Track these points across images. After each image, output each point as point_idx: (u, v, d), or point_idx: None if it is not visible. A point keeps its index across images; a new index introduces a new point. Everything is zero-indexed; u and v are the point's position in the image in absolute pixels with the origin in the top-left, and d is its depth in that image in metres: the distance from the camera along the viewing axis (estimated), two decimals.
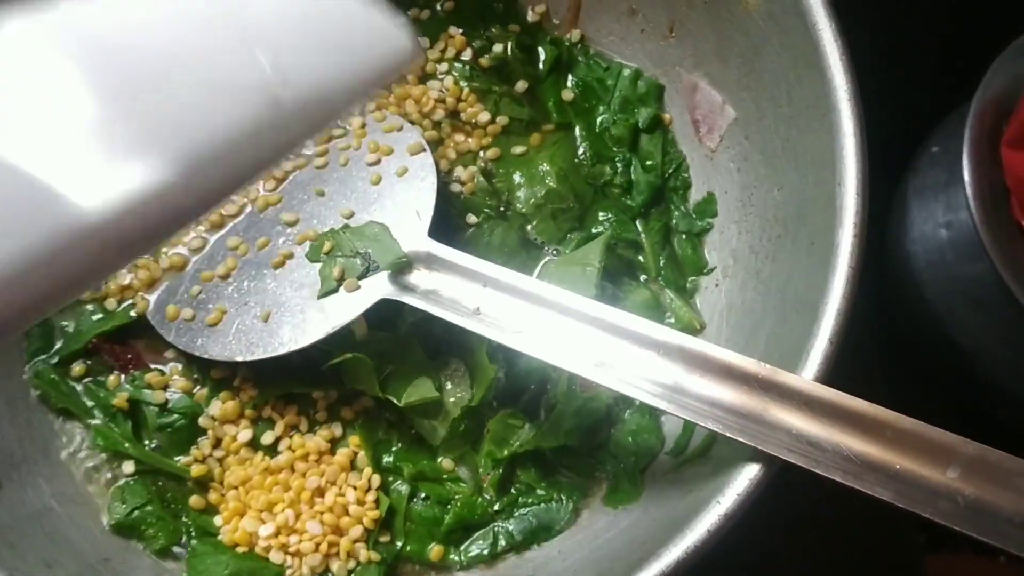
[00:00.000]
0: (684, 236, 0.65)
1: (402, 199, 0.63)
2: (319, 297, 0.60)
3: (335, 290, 0.60)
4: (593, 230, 0.65)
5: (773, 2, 0.57)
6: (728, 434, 0.47)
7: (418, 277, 0.59)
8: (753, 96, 0.61)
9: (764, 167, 0.60)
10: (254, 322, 0.61)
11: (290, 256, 0.63)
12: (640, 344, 0.51)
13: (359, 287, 0.60)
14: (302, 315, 0.60)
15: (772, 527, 0.52)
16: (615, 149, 0.67)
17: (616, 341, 0.52)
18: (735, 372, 0.49)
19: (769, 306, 0.57)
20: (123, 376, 0.63)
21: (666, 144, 0.67)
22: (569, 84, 0.70)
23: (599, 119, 0.68)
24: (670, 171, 0.66)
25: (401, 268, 0.59)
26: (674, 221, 0.66)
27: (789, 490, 0.48)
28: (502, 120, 0.68)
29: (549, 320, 0.54)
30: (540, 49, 0.70)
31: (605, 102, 0.68)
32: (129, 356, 0.63)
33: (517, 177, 0.66)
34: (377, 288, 0.59)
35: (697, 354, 0.50)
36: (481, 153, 0.67)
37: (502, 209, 0.66)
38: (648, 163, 0.66)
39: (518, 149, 0.68)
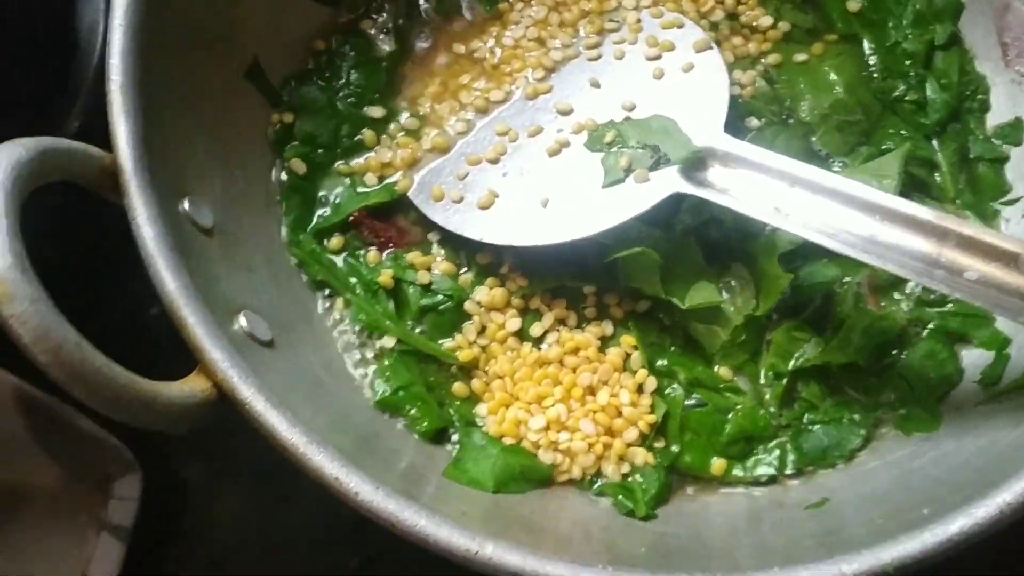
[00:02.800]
0: (984, 160, 0.61)
1: (689, 95, 0.59)
2: (604, 186, 0.57)
3: (622, 180, 0.57)
4: (882, 146, 0.61)
5: None
6: None
7: (714, 174, 0.55)
8: None
9: None
10: (531, 207, 0.58)
11: (566, 144, 0.59)
12: (990, 258, 0.47)
13: (648, 179, 0.56)
14: (583, 204, 0.57)
15: None
16: (907, 64, 0.63)
17: (951, 251, 0.48)
18: None
19: None
20: (383, 253, 0.60)
21: (964, 63, 0.63)
22: None
23: (889, 32, 0.64)
24: (967, 92, 0.62)
25: (695, 163, 0.56)
26: (970, 146, 0.61)
27: None
28: (784, 26, 0.64)
29: (863, 222, 0.51)
30: None
31: (896, 15, 0.64)
32: (390, 234, 0.60)
33: (801, 84, 0.63)
34: (669, 181, 0.56)
35: None
36: (762, 58, 0.64)
37: (784, 116, 0.62)
38: (943, 81, 0.62)
39: (800, 57, 0.64)
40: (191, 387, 0.46)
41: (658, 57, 0.61)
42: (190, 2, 0.55)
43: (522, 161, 0.60)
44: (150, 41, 0.52)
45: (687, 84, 0.60)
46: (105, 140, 0.50)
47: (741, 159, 0.55)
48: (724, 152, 0.55)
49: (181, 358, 0.47)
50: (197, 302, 0.47)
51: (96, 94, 0.69)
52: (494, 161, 0.60)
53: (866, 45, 0.64)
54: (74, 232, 0.65)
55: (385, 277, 0.58)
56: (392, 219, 0.61)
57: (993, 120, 0.62)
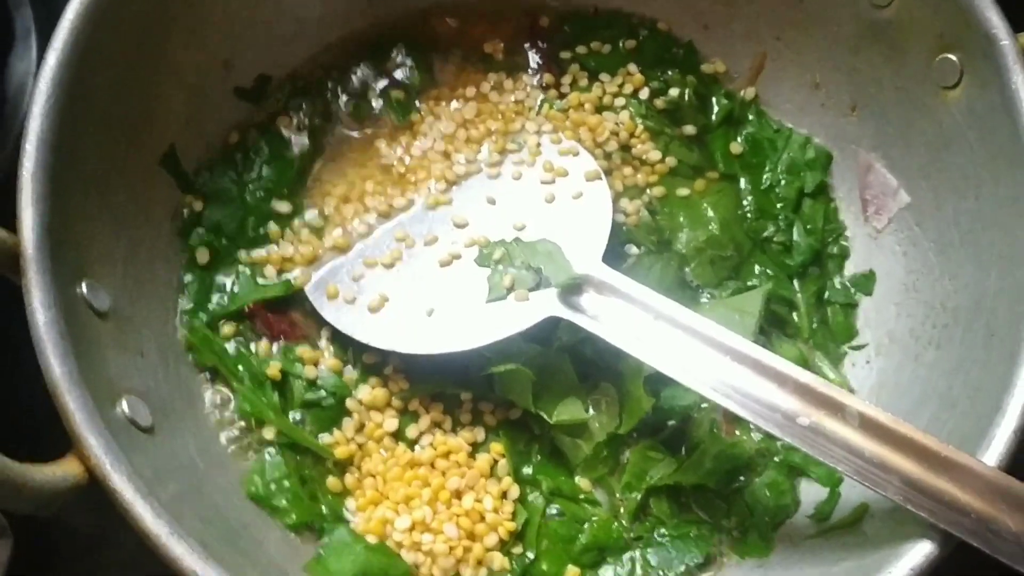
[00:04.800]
0: (837, 304, 0.66)
1: (575, 222, 0.64)
2: (487, 303, 0.61)
3: (503, 298, 0.61)
4: (748, 282, 0.67)
5: (978, 98, 0.58)
6: (910, 507, 0.48)
7: (587, 300, 0.60)
8: (933, 185, 0.62)
9: (936, 255, 0.62)
10: (417, 315, 0.61)
11: (458, 257, 0.63)
12: (821, 406, 0.52)
13: (528, 300, 0.60)
14: (467, 318, 0.61)
15: None
16: (778, 207, 0.69)
17: (788, 396, 0.53)
18: (914, 445, 0.50)
19: (931, 390, 0.58)
20: (274, 345, 0.63)
21: (828, 212, 0.68)
22: (738, 138, 0.71)
23: (765, 176, 0.70)
24: (830, 239, 0.68)
25: (572, 288, 0.60)
26: (827, 290, 0.67)
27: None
28: (671, 161, 0.69)
29: (715, 360, 0.55)
30: (713, 100, 0.72)
31: (772, 161, 0.70)
32: (283, 327, 0.63)
33: (681, 218, 0.68)
34: (546, 304, 0.60)
35: (877, 423, 0.51)
36: (648, 190, 0.69)
37: (662, 247, 0.67)
38: (809, 227, 0.68)
39: (683, 191, 0.69)
40: (63, 471, 0.47)
41: (552, 182, 0.66)
42: (111, 94, 0.58)
43: (415, 268, 0.64)
44: (68, 129, 0.54)
45: (574, 211, 0.64)
46: None
47: (613, 288, 0.59)
48: (599, 280, 0.60)
49: None
50: (80, 388, 0.49)
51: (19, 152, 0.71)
52: (389, 266, 0.64)
53: (743, 185, 0.70)
54: None
55: (273, 369, 0.61)
56: (286, 312, 0.64)
57: (851, 268, 0.68)
